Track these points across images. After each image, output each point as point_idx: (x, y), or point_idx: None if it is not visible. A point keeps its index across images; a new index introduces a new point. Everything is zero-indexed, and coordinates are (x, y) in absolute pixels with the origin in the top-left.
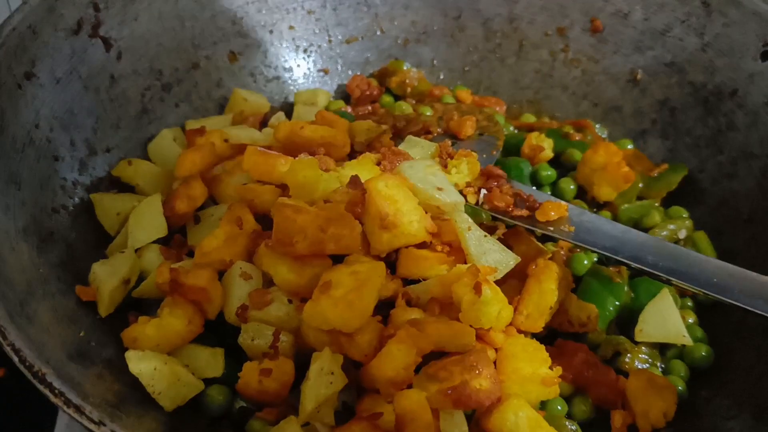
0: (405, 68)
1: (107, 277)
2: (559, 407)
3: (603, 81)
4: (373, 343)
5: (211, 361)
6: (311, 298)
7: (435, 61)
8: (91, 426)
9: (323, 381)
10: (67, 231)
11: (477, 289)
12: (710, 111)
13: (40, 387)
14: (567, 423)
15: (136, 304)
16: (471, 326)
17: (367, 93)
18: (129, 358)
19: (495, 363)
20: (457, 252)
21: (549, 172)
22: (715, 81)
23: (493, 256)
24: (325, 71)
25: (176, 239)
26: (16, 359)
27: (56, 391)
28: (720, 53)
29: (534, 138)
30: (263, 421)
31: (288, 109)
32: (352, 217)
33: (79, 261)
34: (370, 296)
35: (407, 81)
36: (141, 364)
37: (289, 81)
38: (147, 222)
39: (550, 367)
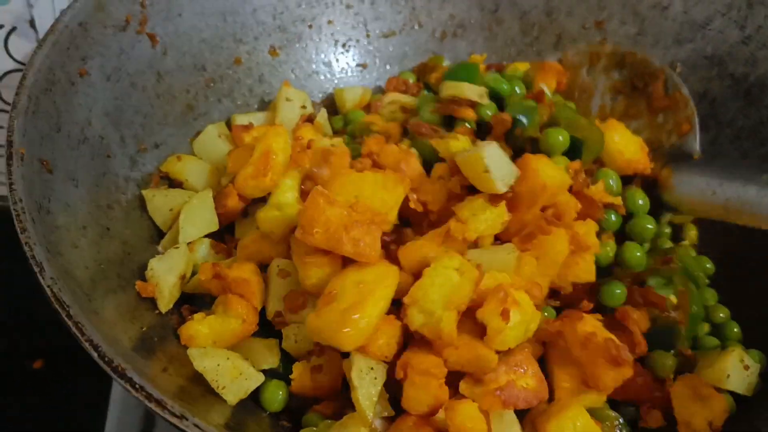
0: (444, 64)
1: (166, 274)
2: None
3: None
4: (391, 342)
5: (267, 352)
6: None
7: (472, 55)
8: (173, 420)
9: (367, 381)
10: (121, 227)
11: (505, 316)
12: (752, 102)
13: (120, 382)
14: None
15: (189, 298)
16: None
17: (405, 92)
18: (192, 356)
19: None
20: None
21: None
22: (757, 73)
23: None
24: (364, 66)
25: (229, 238)
26: (95, 355)
27: (137, 386)
28: (762, 45)
29: None
30: (319, 414)
31: (328, 104)
32: (378, 229)
33: (134, 256)
34: (374, 309)
35: None
36: (205, 361)
37: (328, 75)
38: (198, 217)
39: None
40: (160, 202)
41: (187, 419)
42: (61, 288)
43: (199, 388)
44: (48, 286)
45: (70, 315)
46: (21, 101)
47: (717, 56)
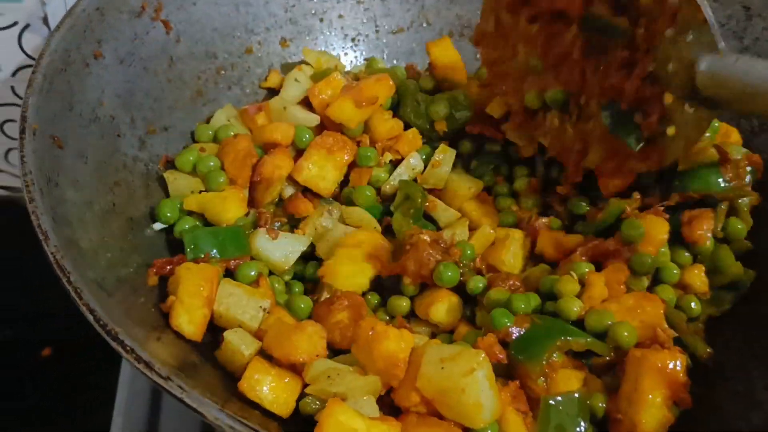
0: None
1: None
2: None
3: None
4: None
5: None
6: None
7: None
8: (159, 381)
9: None
10: (126, 204)
11: None
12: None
13: (113, 344)
14: None
15: None
16: None
17: None
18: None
19: None
20: None
21: None
22: None
23: None
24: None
25: None
26: (91, 318)
27: (128, 348)
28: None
29: None
30: None
31: None
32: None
33: (137, 232)
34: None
35: None
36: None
37: None
38: None
39: None
40: (182, 184)
41: (171, 380)
42: (63, 255)
43: (194, 359)
44: (51, 253)
45: (70, 281)
46: (36, 80)
47: None
